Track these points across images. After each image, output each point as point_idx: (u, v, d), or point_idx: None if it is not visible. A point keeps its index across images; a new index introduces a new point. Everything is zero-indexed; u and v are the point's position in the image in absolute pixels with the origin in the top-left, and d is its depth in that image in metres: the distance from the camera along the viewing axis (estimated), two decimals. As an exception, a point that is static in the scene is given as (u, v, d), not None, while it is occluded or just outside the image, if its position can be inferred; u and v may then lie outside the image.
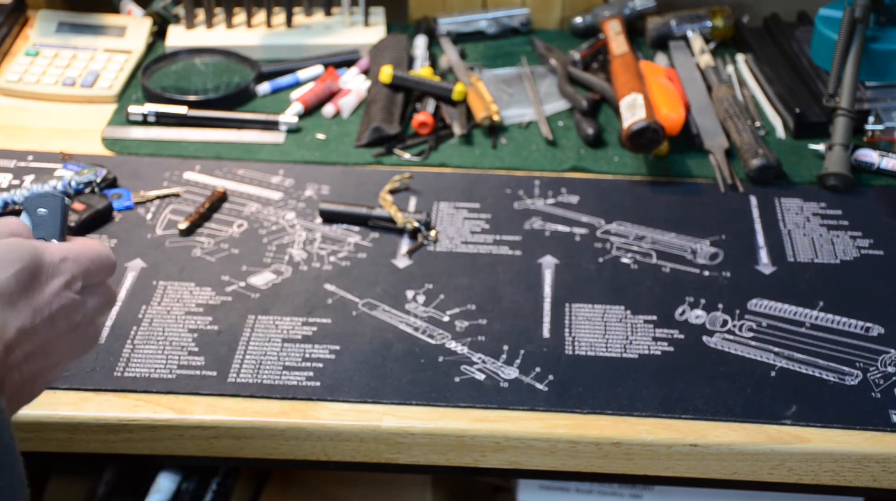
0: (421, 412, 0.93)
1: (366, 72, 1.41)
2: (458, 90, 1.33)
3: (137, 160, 1.25)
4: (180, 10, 1.48)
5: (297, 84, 1.39)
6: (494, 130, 1.31)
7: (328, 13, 1.50)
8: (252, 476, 1.24)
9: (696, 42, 1.44)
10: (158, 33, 1.48)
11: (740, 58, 1.45)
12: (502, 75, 1.42)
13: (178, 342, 1.00)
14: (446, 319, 1.03)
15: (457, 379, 0.96)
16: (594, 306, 1.05)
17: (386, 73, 1.34)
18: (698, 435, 0.91)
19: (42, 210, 0.73)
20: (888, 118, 1.26)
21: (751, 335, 1.02)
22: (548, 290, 1.07)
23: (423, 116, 1.30)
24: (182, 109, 1.31)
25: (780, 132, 1.31)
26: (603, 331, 1.02)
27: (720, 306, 1.05)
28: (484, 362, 0.98)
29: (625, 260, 1.11)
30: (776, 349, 1.00)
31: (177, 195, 1.19)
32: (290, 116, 1.31)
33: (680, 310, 1.04)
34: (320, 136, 1.30)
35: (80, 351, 0.70)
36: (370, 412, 0.93)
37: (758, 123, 1.30)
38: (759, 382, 0.96)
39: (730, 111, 1.29)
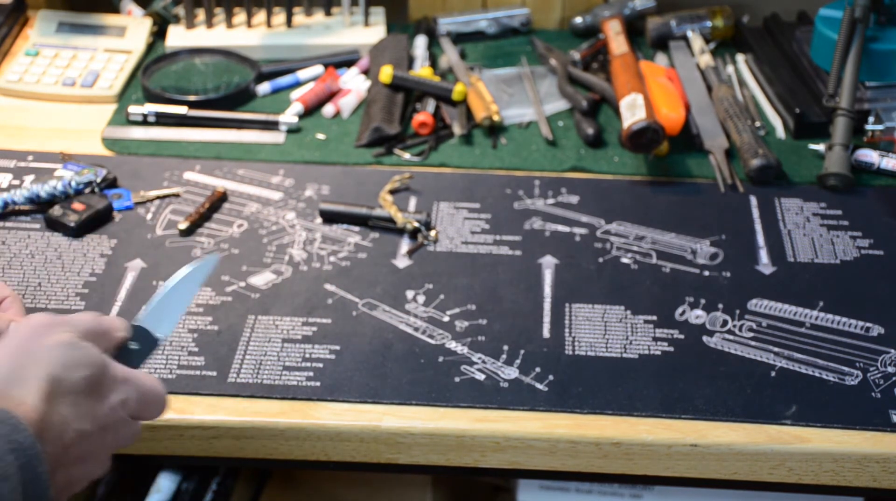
0: (421, 412, 0.93)
1: (366, 72, 1.41)
2: (458, 90, 1.33)
3: (137, 160, 1.25)
4: (180, 10, 1.48)
5: (297, 84, 1.39)
6: (494, 130, 1.31)
7: (328, 13, 1.50)
8: (252, 476, 1.24)
9: (696, 42, 1.44)
10: (158, 33, 1.48)
11: (740, 58, 1.45)
12: (502, 75, 1.42)
13: (178, 342, 1.00)
14: (446, 319, 1.03)
15: (457, 379, 0.96)
16: (594, 307, 1.05)
17: (386, 73, 1.34)
18: (698, 435, 0.91)
19: (134, 345, 0.78)
20: (888, 118, 1.26)
21: (751, 335, 1.02)
22: (548, 290, 1.07)
23: (423, 116, 1.30)
24: (182, 109, 1.31)
25: (780, 132, 1.31)
26: (603, 331, 1.02)
27: (720, 306, 1.05)
28: (484, 362, 0.98)
29: (625, 260, 1.11)
30: (776, 349, 1.00)
31: (177, 195, 1.19)
32: (290, 116, 1.31)
33: (680, 310, 1.04)
34: (320, 136, 1.30)
35: (101, 471, 0.73)
36: (370, 412, 0.93)
37: (758, 123, 1.30)
38: (759, 382, 0.96)
39: (730, 111, 1.29)
